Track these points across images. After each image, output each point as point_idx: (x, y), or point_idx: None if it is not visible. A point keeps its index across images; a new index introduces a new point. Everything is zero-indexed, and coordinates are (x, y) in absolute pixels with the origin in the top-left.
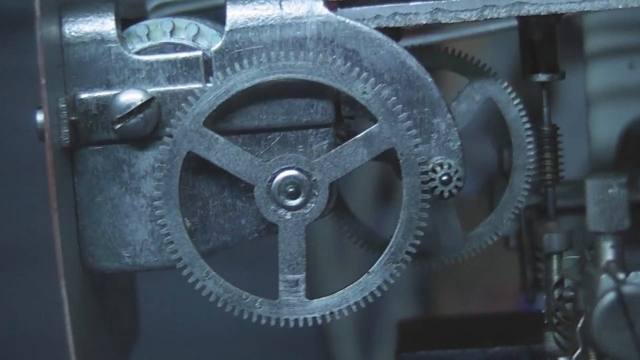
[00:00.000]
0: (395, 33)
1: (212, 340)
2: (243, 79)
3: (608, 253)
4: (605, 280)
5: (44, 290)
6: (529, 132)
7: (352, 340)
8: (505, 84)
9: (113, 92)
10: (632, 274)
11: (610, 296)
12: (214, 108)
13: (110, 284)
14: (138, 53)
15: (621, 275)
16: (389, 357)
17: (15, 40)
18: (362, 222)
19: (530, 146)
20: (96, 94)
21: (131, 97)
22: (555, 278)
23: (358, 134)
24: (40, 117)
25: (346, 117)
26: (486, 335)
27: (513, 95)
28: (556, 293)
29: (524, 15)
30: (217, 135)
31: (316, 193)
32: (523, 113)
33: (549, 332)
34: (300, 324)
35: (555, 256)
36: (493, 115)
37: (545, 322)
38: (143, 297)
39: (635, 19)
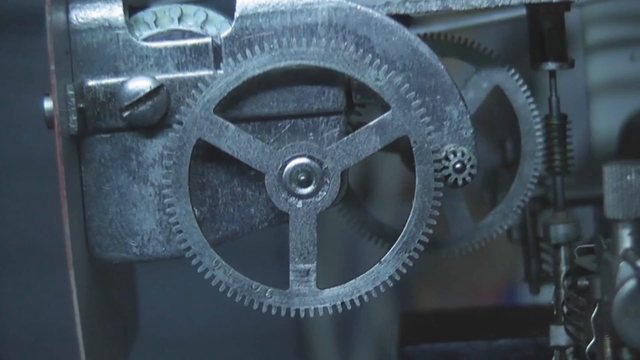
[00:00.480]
0: (404, 22)
1: (188, 341)
2: (254, 65)
3: (626, 240)
4: (624, 268)
5: (50, 289)
6: (537, 119)
7: (330, 339)
8: (513, 71)
9: (121, 79)
10: None
11: (631, 284)
12: (225, 95)
13: (113, 275)
14: (145, 40)
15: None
16: (368, 355)
17: (21, 41)
18: (370, 214)
19: (538, 133)
20: (104, 81)
21: (140, 84)
22: (564, 269)
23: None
24: (48, 104)
25: (357, 104)
26: (489, 327)
27: (520, 82)
28: (566, 283)
29: (534, 2)
30: (227, 123)
31: (328, 181)
32: (531, 100)
33: (555, 325)
34: (311, 314)
35: (563, 247)
36: (494, 107)
37: (555, 313)
38: None
39: (636, 11)
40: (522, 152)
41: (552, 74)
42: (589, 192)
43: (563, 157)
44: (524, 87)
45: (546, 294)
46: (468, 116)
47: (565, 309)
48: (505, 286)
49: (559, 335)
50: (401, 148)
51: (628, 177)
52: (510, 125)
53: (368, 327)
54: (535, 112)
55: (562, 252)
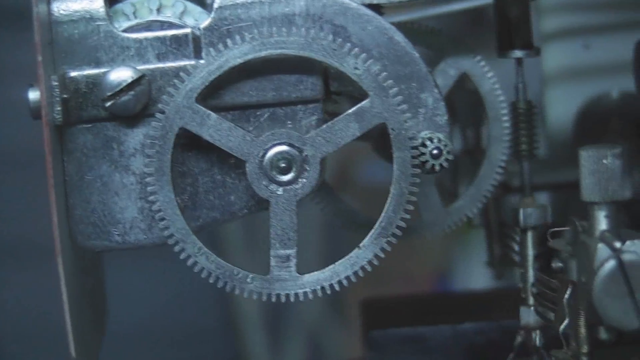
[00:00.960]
0: (377, 11)
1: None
2: (235, 55)
3: (602, 222)
4: (602, 249)
5: (35, 282)
6: (504, 105)
7: (261, 335)
8: (479, 58)
9: (103, 70)
10: (628, 243)
11: (611, 264)
12: (207, 84)
13: (88, 263)
14: (125, 31)
15: (618, 244)
16: (298, 350)
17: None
18: (344, 202)
19: (505, 118)
20: (86, 72)
21: (122, 74)
22: (531, 252)
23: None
24: (33, 95)
25: (334, 93)
26: (451, 312)
27: (487, 69)
28: (537, 266)
29: None
30: (209, 112)
31: (308, 168)
32: (497, 86)
33: (525, 307)
34: (292, 298)
35: (531, 231)
36: (455, 95)
37: (523, 295)
38: None
39: (590, 0)
40: (489, 137)
41: (519, 61)
42: (545, 178)
43: (530, 142)
44: (490, 74)
45: (484, 279)
46: (443, 103)
47: (534, 290)
48: (437, 274)
49: (529, 316)
50: (373, 136)
51: (604, 161)
52: (471, 112)
53: (299, 319)
54: (502, 98)
55: (530, 236)
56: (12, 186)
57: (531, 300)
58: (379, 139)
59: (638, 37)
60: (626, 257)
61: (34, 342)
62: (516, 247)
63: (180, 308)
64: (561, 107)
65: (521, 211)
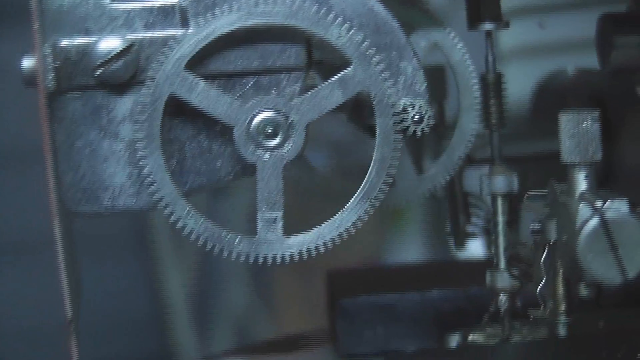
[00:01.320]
0: None
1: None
2: (223, 23)
3: (582, 183)
4: (583, 209)
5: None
6: (474, 74)
7: (189, 327)
8: (449, 29)
9: (92, 39)
10: (609, 202)
11: (594, 221)
12: (195, 52)
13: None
14: (113, 2)
15: (599, 203)
16: (227, 337)
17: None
18: (319, 173)
19: (475, 87)
20: (76, 41)
21: (111, 43)
22: (502, 219)
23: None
24: (27, 62)
25: (316, 61)
26: (417, 280)
27: (457, 39)
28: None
29: None
30: (198, 79)
31: (293, 134)
32: (467, 56)
33: (498, 272)
34: (279, 260)
35: (500, 198)
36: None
37: (495, 261)
38: None
39: None
40: (460, 107)
41: (489, 34)
42: (504, 152)
43: (499, 113)
44: (460, 44)
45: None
46: (421, 72)
47: (506, 255)
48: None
49: (502, 281)
50: (348, 107)
51: (584, 124)
52: (435, 87)
53: (226, 309)
54: (472, 68)
55: (500, 203)
56: (11, 181)
57: (503, 265)
58: (354, 109)
59: (592, 15)
60: (608, 214)
61: (30, 339)
62: (480, 217)
63: (105, 300)
64: (517, 85)
65: (491, 178)
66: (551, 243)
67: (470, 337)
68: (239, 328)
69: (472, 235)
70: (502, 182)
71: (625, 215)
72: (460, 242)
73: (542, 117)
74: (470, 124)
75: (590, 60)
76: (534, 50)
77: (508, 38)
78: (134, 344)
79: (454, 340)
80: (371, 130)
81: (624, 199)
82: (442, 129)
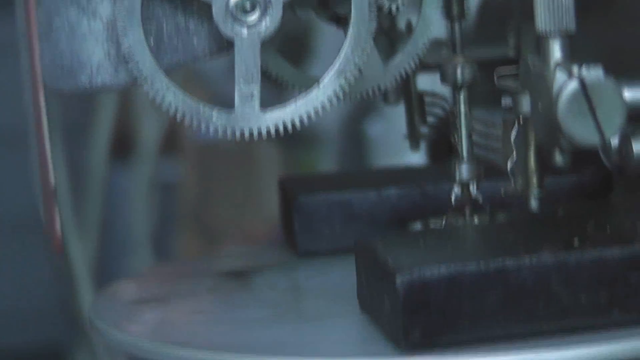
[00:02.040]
0: None
1: None
2: None
3: (557, 53)
4: (561, 75)
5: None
6: None
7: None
8: None
9: None
10: (584, 68)
11: (574, 84)
12: None
13: None
14: None
15: (575, 70)
16: None
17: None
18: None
19: None
20: None
21: None
22: (464, 109)
23: None
24: None
25: None
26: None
27: None
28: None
29: None
30: None
31: (270, 11)
32: None
33: (461, 162)
34: (255, 134)
35: (463, 88)
36: None
37: (460, 150)
38: None
39: None
40: None
41: None
42: None
43: (460, 3)
44: None
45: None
46: None
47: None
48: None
49: (464, 171)
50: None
51: None
52: None
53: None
54: None
55: (462, 93)
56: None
57: (465, 154)
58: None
59: None
60: (586, 78)
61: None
62: (440, 112)
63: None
64: None
65: (452, 68)
66: (521, 117)
67: (432, 225)
68: None
69: (425, 135)
70: (464, 71)
71: (602, 79)
72: (416, 144)
73: (488, 28)
74: (433, 12)
75: None
76: None
77: None
78: (38, 337)
79: (416, 229)
80: (337, 20)
81: (599, 66)
82: (395, 37)
